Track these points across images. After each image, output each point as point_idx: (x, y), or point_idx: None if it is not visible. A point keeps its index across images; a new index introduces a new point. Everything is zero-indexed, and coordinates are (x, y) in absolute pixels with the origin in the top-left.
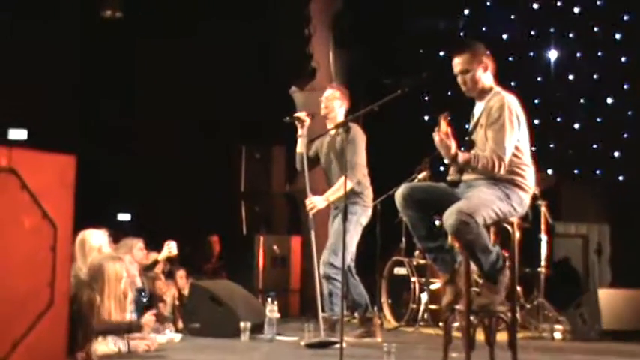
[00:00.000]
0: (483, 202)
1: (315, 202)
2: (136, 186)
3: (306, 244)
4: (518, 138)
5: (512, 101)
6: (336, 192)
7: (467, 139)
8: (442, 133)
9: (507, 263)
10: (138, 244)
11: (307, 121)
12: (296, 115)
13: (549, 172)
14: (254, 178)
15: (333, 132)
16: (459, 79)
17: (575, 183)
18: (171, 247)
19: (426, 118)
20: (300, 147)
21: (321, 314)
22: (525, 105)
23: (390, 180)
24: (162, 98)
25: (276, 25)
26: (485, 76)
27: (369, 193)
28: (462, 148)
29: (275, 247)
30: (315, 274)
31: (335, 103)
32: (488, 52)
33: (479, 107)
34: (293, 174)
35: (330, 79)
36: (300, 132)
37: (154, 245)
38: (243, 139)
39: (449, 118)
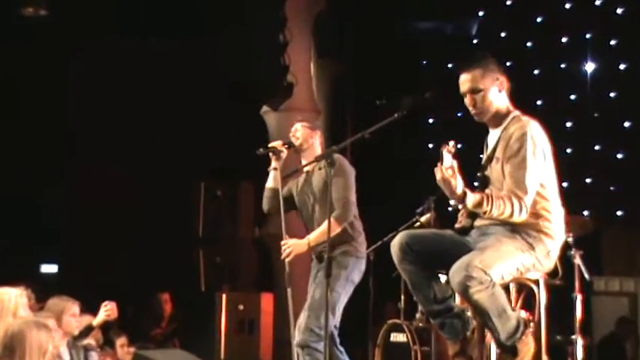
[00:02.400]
0: (501, 255)
1: (292, 245)
2: (66, 229)
3: (281, 303)
4: (543, 173)
5: (535, 129)
6: (320, 235)
7: (479, 174)
8: (445, 169)
9: (531, 330)
10: (72, 308)
11: (284, 152)
12: (271, 145)
13: (585, 213)
14: (215, 220)
15: (308, 168)
16: (467, 100)
17: (618, 227)
18: (109, 309)
19: (430, 145)
20: (273, 181)
21: None
22: (555, 129)
23: (384, 224)
24: (101, 121)
25: (245, 30)
26: (500, 98)
27: (362, 239)
28: (475, 187)
29: (241, 307)
30: (293, 342)
31: (306, 133)
32: (502, 69)
33: (493, 136)
34: (263, 216)
35: (311, 97)
36: (273, 164)
37: (87, 306)
38: (202, 174)
39: (454, 150)
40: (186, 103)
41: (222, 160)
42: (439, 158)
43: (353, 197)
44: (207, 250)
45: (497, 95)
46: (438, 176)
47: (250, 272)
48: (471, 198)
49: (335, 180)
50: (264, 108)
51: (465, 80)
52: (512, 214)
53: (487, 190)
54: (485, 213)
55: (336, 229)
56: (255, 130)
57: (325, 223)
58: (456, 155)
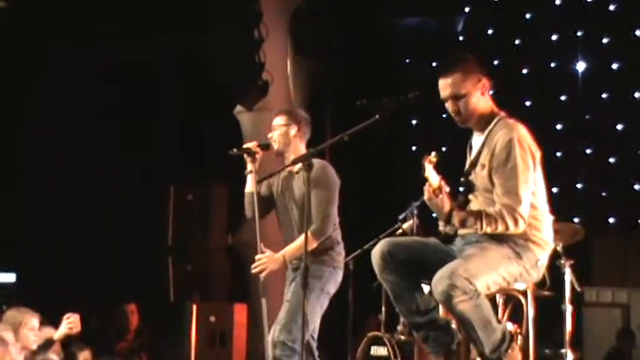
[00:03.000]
0: (486, 263)
1: (266, 260)
2: (25, 236)
3: (255, 315)
4: (535, 175)
5: (521, 133)
6: (296, 250)
7: (462, 180)
8: (432, 190)
9: (518, 343)
10: (31, 320)
11: (259, 153)
12: (245, 146)
13: (576, 220)
14: (186, 226)
15: (291, 169)
16: (449, 106)
17: (610, 235)
18: (71, 322)
19: (414, 148)
20: (250, 186)
21: None
22: (544, 132)
23: (365, 231)
24: (63, 121)
25: (218, 26)
26: (484, 101)
27: (340, 249)
28: (458, 192)
29: (213, 318)
30: (267, 356)
31: (284, 132)
32: (483, 69)
33: (478, 140)
34: (237, 221)
35: (287, 96)
36: (249, 167)
37: (48, 318)
38: (172, 176)
39: (436, 160)
40: (156, 103)
41: (193, 162)
42: (423, 164)
43: (333, 211)
44: (176, 258)
45: (480, 99)
46: (426, 196)
47: (223, 282)
48: (458, 218)
49: (316, 191)
50: (238, 108)
51: (444, 85)
52: (507, 229)
53: (471, 196)
54: (476, 231)
55: (313, 244)
56: (229, 131)
57: (301, 237)
58: (437, 167)
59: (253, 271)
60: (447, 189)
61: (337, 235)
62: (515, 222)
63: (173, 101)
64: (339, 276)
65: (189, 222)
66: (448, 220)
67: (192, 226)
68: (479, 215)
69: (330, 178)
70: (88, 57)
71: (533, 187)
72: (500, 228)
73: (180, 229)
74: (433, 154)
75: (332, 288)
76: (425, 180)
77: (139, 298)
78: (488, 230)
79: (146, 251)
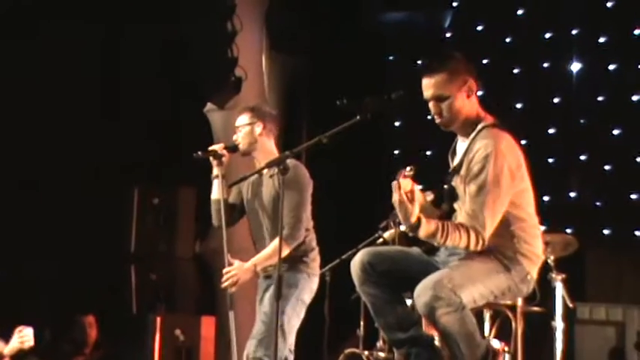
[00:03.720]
0: (472, 275)
1: (236, 272)
2: None
3: (223, 328)
4: (518, 189)
5: (503, 146)
6: (268, 258)
7: (445, 187)
8: (405, 192)
9: None
10: None
11: (226, 156)
12: (211, 148)
13: (568, 231)
14: (150, 232)
15: (265, 172)
16: (432, 107)
17: (605, 248)
18: (24, 335)
19: (397, 152)
20: (217, 193)
21: None
22: (536, 136)
23: (343, 240)
24: (13, 116)
25: (186, 17)
26: (469, 105)
27: (314, 255)
28: (441, 200)
29: (178, 332)
30: None
31: (249, 131)
32: (471, 70)
33: (461, 146)
34: (206, 227)
35: (262, 94)
36: (215, 171)
37: None
38: (136, 178)
39: (412, 174)
40: (117, 97)
41: (159, 162)
42: (396, 181)
43: (305, 213)
44: (139, 266)
45: (465, 102)
46: (395, 197)
47: (189, 292)
48: (425, 228)
49: (287, 194)
50: (209, 105)
51: (428, 85)
52: (467, 247)
53: (455, 205)
54: (438, 244)
55: (285, 251)
56: (198, 130)
57: (273, 244)
58: (413, 179)
59: (223, 285)
60: (431, 196)
61: (311, 240)
62: (476, 242)
63: (139, 97)
64: (314, 283)
65: (154, 227)
66: (413, 229)
67: (157, 231)
68: (444, 229)
69: (301, 179)
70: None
71: (515, 200)
72: (462, 245)
73: (145, 234)
74: (408, 168)
75: (307, 296)
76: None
77: (97, 309)
78: (449, 244)
79: (106, 258)
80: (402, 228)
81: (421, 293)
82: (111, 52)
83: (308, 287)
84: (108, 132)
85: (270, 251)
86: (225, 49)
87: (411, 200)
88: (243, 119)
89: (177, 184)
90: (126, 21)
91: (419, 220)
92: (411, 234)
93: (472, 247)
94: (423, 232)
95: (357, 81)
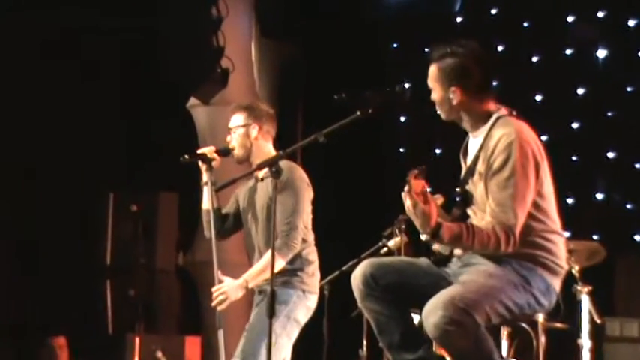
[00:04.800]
0: (487, 290)
1: (226, 290)
2: None
3: (210, 348)
4: (538, 190)
5: (525, 135)
6: (260, 273)
7: (458, 190)
8: (416, 195)
9: None
10: None
11: (216, 159)
12: (200, 151)
13: (595, 238)
14: (128, 244)
15: (260, 174)
16: (432, 95)
17: (636, 255)
18: None
19: (402, 150)
20: (207, 201)
21: None
22: (557, 132)
23: (343, 249)
24: None
25: (165, 2)
26: (470, 99)
27: (312, 270)
28: (454, 205)
29: (159, 354)
30: None
31: (244, 134)
32: (484, 57)
33: (474, 143)
34: (190, 237)
35: (252, 87)
36: (205, 178)
37: None
38: (112, 183)
39: (424, 175)
40: (91, 93)
41: (137, 165)
42: (408, 182)
43: (300, 222)
44: (116, 281)
45: (463, 98)
46: (407, 203)
47: (172, 309)
48: (447, 231)
49: (281, 198)
50: (192, 100)
51: (429, 74)
52: (497, 247)
53: (468, 210)
54: (465, 249)
55: (279, 264)
56: (180, 129)
57: (265, 257)
58: (426, 181)
59: (213, 303)
60: (440, 200)
61: (309, 252)
62: (507, 241)
63: (114, 91)
64: (310, 302)
65: (132, 237)
66: (435, 235)
67: (135, 242)
68: (469, 229)
69: (297, 182)
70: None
71: (537, 199)
72: (491, 247)
73: (121, 245)
74: (419, 167)
75: (302, 315)
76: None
77: (69, 329)
78: (477, 247)
79: (79, 272)
80: (423, 237)
81: (430, 314)
82: (76, 42)
83: (302, 305)
84: (79, 131)
85: (263, 265)
86: (209, 37)
87: (426, 202)
88: (237, 120)
89: (158, 189)
90: (93, 5)
91: (438, 223)
92: (431, 241)
93: (503, 246)
94: (446, 236)
95: (356, 72)
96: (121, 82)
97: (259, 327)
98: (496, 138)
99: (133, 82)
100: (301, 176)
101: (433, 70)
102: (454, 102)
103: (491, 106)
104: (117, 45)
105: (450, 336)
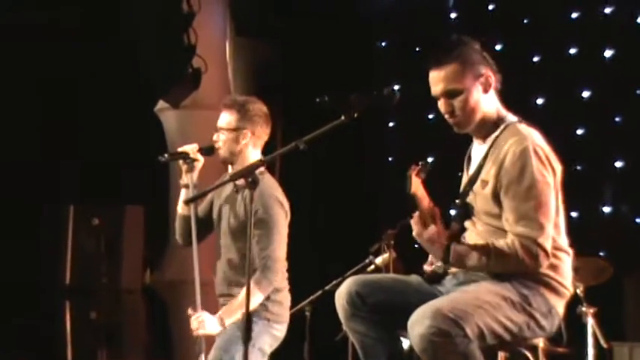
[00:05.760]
0: (481, 304)
1: (204, 320)
2: None
3: None
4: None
5: (539, 142)
6: (237, 310)
7: (458, 202)
8: (425, 214)
9: None
10: None
11: (200, 160)
12: (181, 149)
13: (602, 255)
14: (89, 261)
15: (232, 184)
16: (442, 105)
17: None
18: None
19: (390, 159)
20: (184, 206)
21: None
22: (561, 138)
23: (326, 267)
24: None
25: None
26: (487, 100)
27: (281, 299)
28: (453, 216)
29: None
30: None
31: (233, 138)
32: (488, 58)
33: (479, 150)
34: (158, 254)
35: (226, 89)
36: (184, 179)
37: None
38: (71, 194)
39: (426, 172)
40: (48, 96)
41: (100, 175)
42: (409, 177)
43: (283, 252)
44: (76, 303)
45: (482, 98)
46: (416, 230)
47: (138, 334)
48: (456, 255)
49: (258, 224)
50: (160, 104)
51: (437, 79)
52: (524, 267)
53: (467, 223)
54: (481, 270)
55: (258, 298)
56: (147, 135)
57: (242, 294)
58: (425, 183)
59: (194, 332)
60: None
61: (283, 279)
62: (535, 258)
63: (72, 93)
64: (277, 331)
65: (94, 254)
66: (447, 260)
67: (97, 259)
68: (485, 250)
69: (275, 208)
70: None
71: (554, 212)
72: (514, 266)
73: (82, 263)
74: (421, 163)
75: (267, 344)
76: (409, 199)
77: (25, 355)
78: (498, 269)
79: (34, 293)
80: (437, 264)
81: (416, 323)
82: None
83: (267, 334)
84: (34, 136)
85: (240, 302)
86: (179, 34)
87: (435, 219)
88: (227, 120)
89: (122, 202)
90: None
91: (447, 246)
92: (447, 265)
93: (530, 264)
94: (455, 259)
95: (340, 73)
96: (79, 81)
97: (225, 355)
98: (506, 146)
99: (94, 82)
100: (277, 198)
101: (453, 66)
102: (484, 92)
103: (501, 110)
104: (76, 45)
105: (437, 349)
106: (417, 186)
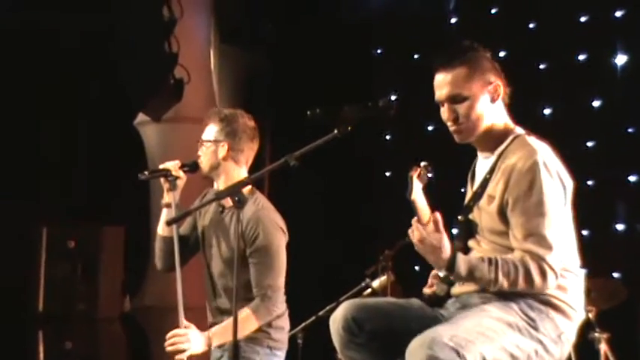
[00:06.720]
0: (484, 331)
1: (191, 338)
2: None
3: None
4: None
5: (548, 155)
6: (227, 330)
7: (460, 218)
8: (424, 224)
9: None
10: None
11: (182, 177)
12: (163, 166)
13: (615, 276)
14: (64, 286)
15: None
16: (445, 111)
17: None
18: None
19: (388, 174)
20: (164, 227)
21: None
22: (569, 151)
23: (320, 290)
24: None
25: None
26: (494, 111)
27: (281, 323)
28: (455, 234)
29: None
30: None
31: (212, 151)
32: (499, 68)
33: (484, 164)
34: (138, 278)
35: (210, 101)
36: (166, 198)
37: None
38: (45, 214)
39: (429, 174)
40: (21, 108)
41: (75, 194)
42: (410, 179)
43: (279, 277)
44: (50, 332)
45: (489, 107)
46: (416, 237)
47: None
48: (462, 264)
49: (259, 251)
50: (140, 117)
51: (442, 83)
52: (530, 284)
53: (470, 242)
54: (489, 284)
55: (253, 326)
56: (126, 150)
57: (239, 315)
58: (426, 188)
59: (169, 348)
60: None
61: (282, 305)
62: (543, 276)
63: (49, 106)
64: (278, 358)
65: (70, 279)
66: (451, 269)
67: (73, 284)
68: (494, 262)
69: (273, 233)
70: None
71: (563, 229)
72: (524, 282)
73: (56, 289)
74: (424, 164)
75: None
76: (409, 207)
77: None
78: (505, 285)
79: (5, 321)
80: (441, 274)
81: (413, 353)
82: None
83: None
84: (9, 154)
85: (229, 323)
86: (160, 42)
87: (437, 229)
88: (209, 132)
89: (100, 222)
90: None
91: (453, 255)
92: (452, 273)
93: (538, 282)
94: (463, 269)
95: (333, 83)
96: (56, 93)
97: None
98: (514, 159)
99: (69, 93)
100: (278, 224)
101: (459, 71)
102: (491, 101)
103: (509, 123)
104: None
105: None
106: (417, 192)
